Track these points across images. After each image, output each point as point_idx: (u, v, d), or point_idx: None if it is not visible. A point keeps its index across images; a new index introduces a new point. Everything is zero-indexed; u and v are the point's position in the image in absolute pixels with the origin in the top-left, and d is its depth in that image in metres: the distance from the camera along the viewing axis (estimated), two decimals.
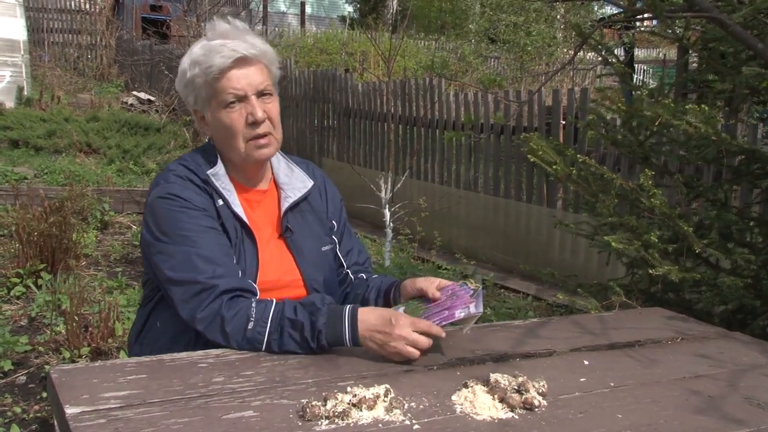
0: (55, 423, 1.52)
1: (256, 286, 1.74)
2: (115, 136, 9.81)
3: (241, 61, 1.76)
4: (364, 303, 1.92)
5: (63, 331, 3.64)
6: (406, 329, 1.57)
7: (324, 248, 1.96)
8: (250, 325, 1.60)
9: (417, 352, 1.57)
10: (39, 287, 4.46)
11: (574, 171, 2.64)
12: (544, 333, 1.98)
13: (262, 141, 1.80)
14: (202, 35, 2.01)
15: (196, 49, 1.81)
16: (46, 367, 3.36)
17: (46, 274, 4.55)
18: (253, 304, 1.63)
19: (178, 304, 1.67)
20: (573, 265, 5.13)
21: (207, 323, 1.63)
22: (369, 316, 1.60)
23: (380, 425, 1.34)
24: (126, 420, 1.29)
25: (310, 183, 1.96)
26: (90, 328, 3.55)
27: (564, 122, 5.48)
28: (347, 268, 2.03)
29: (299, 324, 1.59)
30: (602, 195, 2.65)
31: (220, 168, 1.82)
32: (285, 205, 1.89)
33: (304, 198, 1.94)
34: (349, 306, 1.63)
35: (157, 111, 12.04)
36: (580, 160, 2.63)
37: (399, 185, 5.52)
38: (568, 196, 5.32)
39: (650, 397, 1.55)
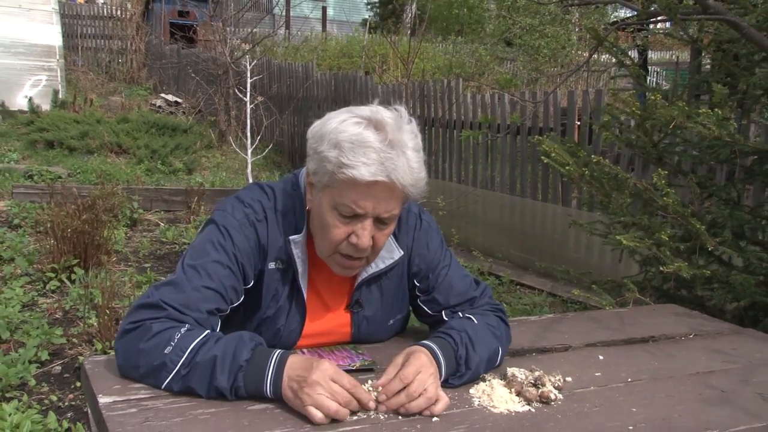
0: (89, 411, 1.53)
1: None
2: (144, 136, 9.89)
3: (383, 185, 1.44)
4: None
5: (95, 323, 3.68)
6: (325, 377, 1.31)
7: (391, 321, 1.75)
8: (168, 349, 1.37)
9: (330, 407, 1.28)
10: (72, 282, 4.52)
11: (587, 172, 2.62)
12: (560, 328, 1.96)
13: (353, 263, 1.56)
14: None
15: (347, 128, 1.45)
16: (80, 358, 3.40)
17: (79, 269, 4.60)
18: (182, 330, 1.40)
19: (140, 298, 1.49)
20: (587, 263, 5.10)
21: (131, 330, 1.42)
22: (295, 359, 1.37)
23: (400, 417, 1.34)
24: (156, 410, 1.31)
25: (398, 254, 1.67)
26: (121, 321, 3.58)
27: (579, 123, 5.44)
28: (432, 315, 1.75)
29: (216, 357, 1.35)
30: (616, 194, 2.63)
31: (303, 236, 1.59)
32: (361, 278, 1.66)
33: (386, 271, 1.68)
34: (280, 350, 1.40)
35: (183, 112, 12.13)
36: (594, 161, 2.61)
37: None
38: (582, 195, 5.29)
39: (665, 392, 1.54)
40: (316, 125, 1.53)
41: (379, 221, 1.49)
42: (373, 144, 1.42)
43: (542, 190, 5.79)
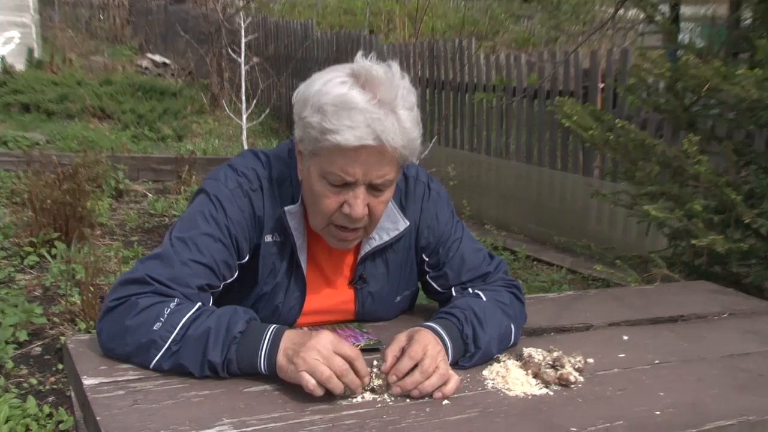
0: (72, 395, 1.54)
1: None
2: (130, 100, 9.87)
3: (372, 149, 1.43)
4: None
5: (78, 301, 3.69)
6: (323, 342, 1.32)
7: (397, 298, 1.76)
8: (157, 325, 1.37)
9: (324, 372, 1.29)
10: (53, 257, 4.53)
11: (611, 137, 2.60)
12: (581, 306, 1.96)
13: (348, 235, 1.55)
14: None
15: (331, 89, 1.44)
16: (62, 338, 3.42)
17: (60, 243, 4.62)
18: (172, 304, 1.40)
19: (124, 274, 1.49)
20: (610, 237, 5.09)
21: (116, 307, 1.43)
22: (293, 332, 1.39)
23: (408, 400, 1.35)
24: (145, 392, 1.31)
25: (403, 225, 1.66)
26: (104, 299, 3.59)
27: (602, 86, 5.40)
28: (442, 292, 1.76)
29: (210, 329, 1.36)
30: (642, 162, 2.61)
31: (299, 207, 1.58)
32: (364, 251, 1.66)
33: (391, 243, 1.68)
34: (277, 325, 1.42)
35: (172, 74, 12.08)
36: (618, 125, 2.59)
37: (426, 152, 5.48)
38: (605, 163, 5.26)
39: (695, 375, 1.54)
40: (301, 88, 1.51)
41: (373, 188, 1.49)
42: (358, 105, 1.41)
43: (561, 159, 5.76)
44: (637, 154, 2.62)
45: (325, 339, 1.33)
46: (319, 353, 1.30)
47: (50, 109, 9.39)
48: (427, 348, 1.40)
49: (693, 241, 2.32)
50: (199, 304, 1.43)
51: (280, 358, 1.34)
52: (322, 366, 1.29)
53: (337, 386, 1.30)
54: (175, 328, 1.37)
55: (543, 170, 5.93)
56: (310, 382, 1.28)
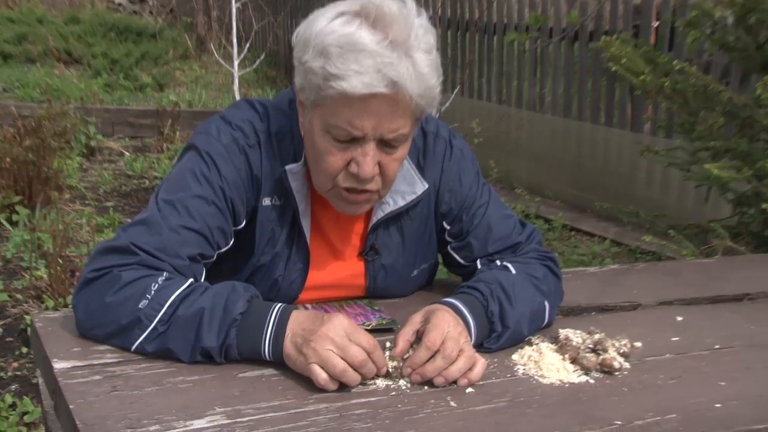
0: (40, 382, 1.56)
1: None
2: (101, 42, 9.86)
3: (383, 98, 1.42)
4: None
5: (45, 275, 3.72)
6: (337, 329, 1.33)
7: (414, 272, 1.78)
8: (143, 302, 1.38)
9: (337, 365, 1.29)
10: (15, 224, 4.56)
11: (667, 83, 2.58)
12: (627, 282, 1.95)
13: (357, 198, 1.54)
14: None
15: (336, 28, 1.42)
16: (26, 317, 3.45)
17: (22, 208, 4.64)
18: (160, 279, 1.41)
19: (105, 241, 1.50)
20: (663, 203, 5.06)
21: (95, 279, 1.43)
22: (302, 313, 1.40)
23: (426, 387, 1.36)
24: (125, 377, 1.32)
25: (421, 188, 1.67)
26: (77, 273, 3.62)
27: (657, 24, 5.33)
28: (466, 265, 1.77)
29: (203, 309, 1.37)
30: (704, 113, 2.59)
31: (301, 167, 1.58)
32: (376, 218, 1.67)
33: (407, 209, 1.69)
34: (282, 304, 1.43)
35: (151, 12, 12.04)
36: (676, 67, 2.56)
37: (447, 104, 5.46)
38: (658, 116, 5.20)
39: (763, 362, 1.54)
40: (301, 28, 1.50)
41: (385, 144, 1.48)
42: (367, 46, 1.39)
43: (606, 111, 5.72)
44: (697, 104, 2.60)
45: (339, 326, 1.33)
46: (333, 342, 1.31)
47: (6, 52, 9.39)
48: (447, 331, 1.40)
49: (764, 206, 2.31)
50: (191, 279, 1.44)
51: (288, 346, 1.35)
52: (335, 358, 1.30)
53: (352, 379, 1.31)
54: (163, 306, 1.37)
55: (584, 125, 5.89)
56: (321, 376, 1.29)
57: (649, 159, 2.98)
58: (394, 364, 1.39)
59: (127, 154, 6.57)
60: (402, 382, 1.37)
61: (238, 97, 6.51)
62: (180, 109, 7.19)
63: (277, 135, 1.60)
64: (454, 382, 1.37)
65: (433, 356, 1.38)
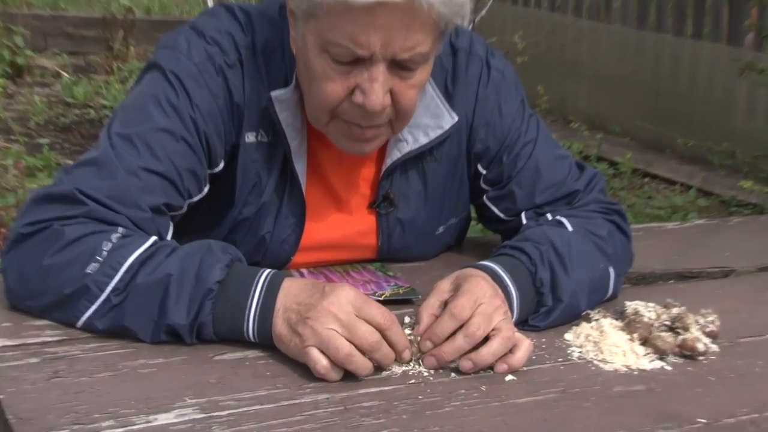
0: None
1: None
2: None
3: (394, 7, 1.37)
4: None
5: None
6: (342, 302, 1.31)
7: (440, 229, 1.79)
8: (92, 266, 1.36)
9: (341, 348, 1.27)
10: None
11: None
12: (716, 243, 1.96)
13: (365, 133, 1.53)
14: None
15: None
16: None
17: None
18: (114, 236, 1.39)
19: (43, 188, 1.50)
20: (766, 139, 5.03)
21: (30, 235, 1.41)
22: (296, 282, 1.39)
23: (453, 374, 1.36)
24: (70, 360, 1.32)
25: (449, 121, 1.66)
26: (2, 228, 3.59)
27: None
28: (507, 220, 1.76)
29: (170, 276, 1.35)
30: None
31: (292, 92, 1.58)
32: (391, 160, 1.66)
33: (431, 148, 1.69)
34: (271, 269, 1.43)
35: None
36: None
37: (483, 12, 5.42)
38: (764, 22, 5.10)
39: None
40: None
41: (399, 66, 1.45)
42: None
43: (693, 19, 5.67)
44: None
45: (345, 298, 1.32)
46: (336, 319, 1.29)
47: None
48: (480, 302, 1.39)
49: None
50: (155, 237, 1.44)
51: (278, 325, 1.34)
52: (339, 339, 1.28)
53: (362, 366, 1.30)
54: (118, 272, 1.37)
55: (663, 38, 5.84)
56: (320, 362, 1.28)
57: (751, 81, 2.92)
58: (414, 346, 1.39)
59: (66, 75, 6.53)
60: (424, 368, 1.37)
61: (210, 3, 6.42)
62: (134, 17, 7.16)
63: (264, 51, 1.59)
64: (490, 367, 1.37)
65: (456, 331, 1.37)
